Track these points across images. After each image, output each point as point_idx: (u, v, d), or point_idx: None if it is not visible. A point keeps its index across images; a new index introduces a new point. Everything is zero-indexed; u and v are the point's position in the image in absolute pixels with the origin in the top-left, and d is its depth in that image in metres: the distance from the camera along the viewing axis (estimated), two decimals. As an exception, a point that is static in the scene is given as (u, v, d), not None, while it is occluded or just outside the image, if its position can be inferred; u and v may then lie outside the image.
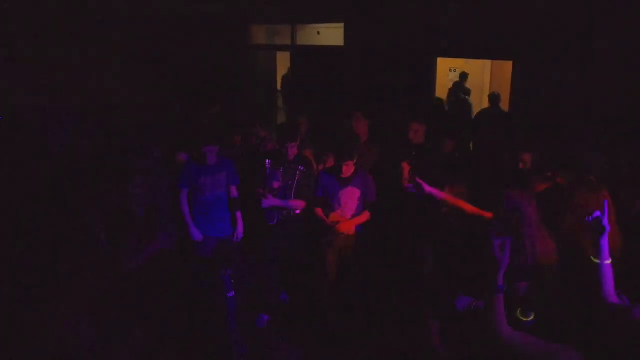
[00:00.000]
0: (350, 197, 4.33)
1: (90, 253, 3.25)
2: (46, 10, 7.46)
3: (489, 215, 3.11)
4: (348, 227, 4.29)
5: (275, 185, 4.25)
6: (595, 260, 2.26)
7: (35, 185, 4.29)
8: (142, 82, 8.75)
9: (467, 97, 9.26)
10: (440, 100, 7.97)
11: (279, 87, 10.82)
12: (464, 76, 9.51)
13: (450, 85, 9.78)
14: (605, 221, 2.26)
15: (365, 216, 4.38)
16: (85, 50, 8.13)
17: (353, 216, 4.36)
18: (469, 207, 3.31)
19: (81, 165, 4.70)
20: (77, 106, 7.41)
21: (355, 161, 4.29)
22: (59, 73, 7.84)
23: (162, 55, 9.16)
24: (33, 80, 7.60)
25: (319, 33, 9.10)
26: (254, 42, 9.68)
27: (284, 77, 10.54)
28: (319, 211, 4.42)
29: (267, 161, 4.37)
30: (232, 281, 3.65)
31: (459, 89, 9.42)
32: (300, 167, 4.33)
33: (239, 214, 4.60)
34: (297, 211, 4.41)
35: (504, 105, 7.33)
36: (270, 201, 4.21)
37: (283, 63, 10.26)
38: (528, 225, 2.68)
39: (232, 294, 3.65)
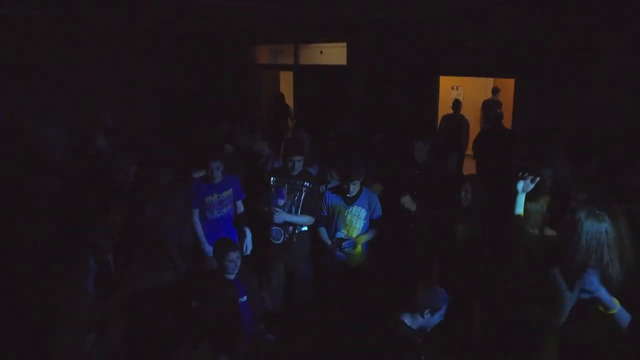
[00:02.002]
0: (356, 216, 4.33)
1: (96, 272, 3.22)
2: (54, 30, 7.56)
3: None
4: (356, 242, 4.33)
5: (281, 202, 4.26)
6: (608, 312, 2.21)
7: (41, 200, 4.29)
8: (146, 102, 8.84)
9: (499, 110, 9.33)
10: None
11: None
12: (495, 91, 9.64)
13: (451, 103, 9.84)
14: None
15: (371, 234, 4.40)
16: (90, 69, 8.22)
17: (359, 235, 4.36)
18: None
19: (87, 183, 4.72)
20: (81, 124, 7.47)
21: (361, 180, 4.31)
22: (63, 91, 7.94)
23: (166, 76, 9.25)
24: (38, 100, 7.69)
25: (321, 52, 9.19)
26: (257, 61, 9.78)
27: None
28: (323, 232, 4.44)
29: (272, 179, 4.38)
30: (243, 287, 3.65)
31: (494, 103, 9.52)
32: (305, 183, 4.34)
33: (246, 228, 4.63)
34: (303, 228, 4.41)
35: (506, 123, 7.37)
36: (283, 216, 4.23)
37: (286, 82, 10.34)
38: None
39: (244, 298, 3.65)
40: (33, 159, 5.75)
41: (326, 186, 4.84)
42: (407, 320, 2.88)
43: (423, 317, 2.86)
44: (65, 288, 2.64)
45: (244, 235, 4.65)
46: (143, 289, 3.35)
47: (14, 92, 7.47)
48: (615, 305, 2.21)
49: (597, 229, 2.46)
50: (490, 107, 9.44)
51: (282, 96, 10.10)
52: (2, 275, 3.08)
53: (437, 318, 2.90)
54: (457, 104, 8.32)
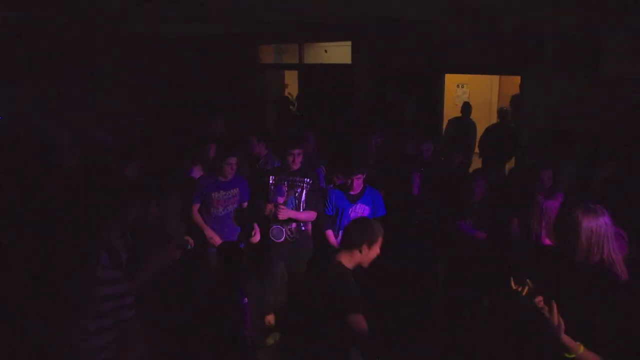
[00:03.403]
0: (360, 214, 4.32)
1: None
2: (57, 31, 7.60)
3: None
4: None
5: (280, 200, 4.24)
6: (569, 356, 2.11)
7: (53, 199, 4.31)
8: (150, 102, 8.88)
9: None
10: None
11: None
12: None
13: (456, 101, 9.81)
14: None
15: None
16: (95, 71, 8.27)
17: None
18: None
19: (99, 180, 4.73)
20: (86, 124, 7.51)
21: (365, 176, 4.30)
22: (69, 95, 8.00)
23: (170, 76, 9.28)
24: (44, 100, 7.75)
25: (326, 51, 9.19)
26: (261, 61, 9.79)
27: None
28: (331, 235, 4.39)
29: (271, 177, 4.38)
30: (244, 289, 3.66)
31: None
32: (306, 179, 4.33)
33: (256, 226, 4.56)
34: (303, 227, 4.40)
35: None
36: (287, 212, 4.22)
37: (291, 82, 10.34)
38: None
39: (245, 301, 3.66)
40: (40, 159, 5.79)
41: (334, 185, 4.84)
42: (344, 260, 2.91)
43: (361, 253, 2.90)
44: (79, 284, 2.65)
45: (255, 230, 4.54)
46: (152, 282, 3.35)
47: (17, 94, 7.53)
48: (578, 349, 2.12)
49: (597, 223, 2.41)
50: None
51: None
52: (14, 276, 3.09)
53: (374, 251, 2.95)
54: (466, 107, 7.84)
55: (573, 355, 2.10)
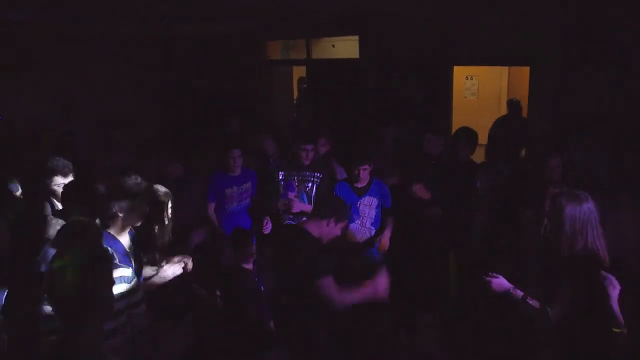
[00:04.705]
0: (369, 206, 4.32)
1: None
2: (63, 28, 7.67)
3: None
4: (385, 244, 4.31)
5: (292, 195, 4.27)
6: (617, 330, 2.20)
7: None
8: (158, 101, 8.93)
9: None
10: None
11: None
12: None
13: (466, 93, 9.75)
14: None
15: (390, 227, 4.39)
16: (102, 69, 8.33)
17: (372, 224, 4.35)
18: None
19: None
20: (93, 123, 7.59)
21: (372, 167, 4.28)
22: (75, 92, 8.07)
23: (177, 74, 9.32)
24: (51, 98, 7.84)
25: (334, 46, 9.16)
26: (269, 57, 9.79)
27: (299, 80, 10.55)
28: None
29: (280, 173, 4.39)
30: (260, 277, 3.69)
31: None
32: (316, 173, 4.34)
33: (267, 218, 4.57)
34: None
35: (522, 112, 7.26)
36: (299, 205, 4.23)
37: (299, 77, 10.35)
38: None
39: (262, 289, 3.69)
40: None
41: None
42: (311, 227, 3.03)
43: (327, 225, 3.02)
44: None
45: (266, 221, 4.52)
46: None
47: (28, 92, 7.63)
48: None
49: (580, 210, 2.41)
50: None
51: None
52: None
53: (337, 229, 3.08)
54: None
55: (620, 330, 2.18)
